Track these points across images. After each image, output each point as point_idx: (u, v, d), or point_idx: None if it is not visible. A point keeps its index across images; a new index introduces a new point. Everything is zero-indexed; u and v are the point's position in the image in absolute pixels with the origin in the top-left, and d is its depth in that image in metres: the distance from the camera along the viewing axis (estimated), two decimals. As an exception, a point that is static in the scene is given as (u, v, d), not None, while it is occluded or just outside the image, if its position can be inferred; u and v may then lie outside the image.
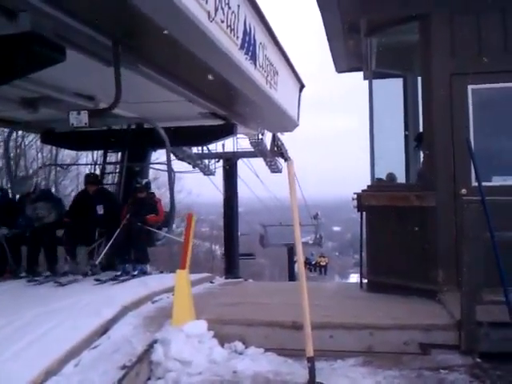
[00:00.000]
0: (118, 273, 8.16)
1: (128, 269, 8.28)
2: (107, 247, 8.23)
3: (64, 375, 3.93)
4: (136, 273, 8.19)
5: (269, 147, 20.65)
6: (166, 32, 6.36)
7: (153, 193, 9.59)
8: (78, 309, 5.53)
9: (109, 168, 13.32)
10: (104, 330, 4.89)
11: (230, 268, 21.27)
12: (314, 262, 36.40)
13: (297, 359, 4.55)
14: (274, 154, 21.71)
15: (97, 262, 8.16)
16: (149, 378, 4.38)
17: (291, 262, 27.85)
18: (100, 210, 8.42)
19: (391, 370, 4.35)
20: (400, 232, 6.21)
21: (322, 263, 34.37)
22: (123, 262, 8.42)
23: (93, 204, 8.59)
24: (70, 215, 8.85)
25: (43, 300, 6.12)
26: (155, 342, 4.57)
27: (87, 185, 9.09)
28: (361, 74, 8.70)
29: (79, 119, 7.50)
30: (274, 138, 20.43)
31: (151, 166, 13.12)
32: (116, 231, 8.18)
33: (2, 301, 6.28)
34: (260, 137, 19.24)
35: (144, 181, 9.90)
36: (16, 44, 5.45)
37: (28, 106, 9.46)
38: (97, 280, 7.56)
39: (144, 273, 8.33)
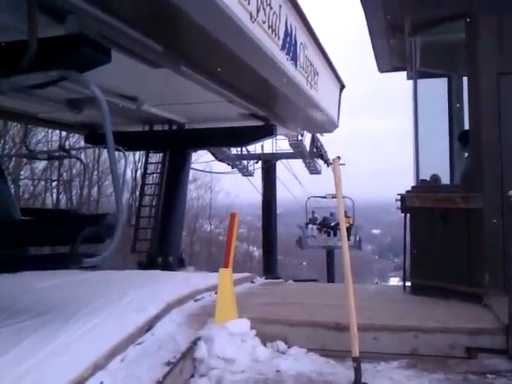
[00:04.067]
0: None
1: None
2: None
3: (110, 370, 3.99)
4: None
5: (308, 148, 20.59)
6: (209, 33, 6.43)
7: None
8: (123, 305, 5.60)
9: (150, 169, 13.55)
10: (148, 326, 4.95)
11: (269, 269, 21.32)
12: (332, 224, 26.91)
13: (339, 360, 4.52)
14: (314, 155, 21.65)
15: None
16: (192, 375, 4.40)
17: (330, 264, 27.18)
18: None
19: (436, 373, 4.26)
20: (445, 234, 6.09)
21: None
22: None
23: None
24: None
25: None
26: (199, 339, 4.59)
27: None
28: (403, 73, 8.62)
29: None
30: (314, 139, 20.38)
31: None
32: None
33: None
34: (299, 138, 19.19)
35: None
36: (64, 46, 5.58)
37: (73, 106, 9.72)
38: None
39: None
